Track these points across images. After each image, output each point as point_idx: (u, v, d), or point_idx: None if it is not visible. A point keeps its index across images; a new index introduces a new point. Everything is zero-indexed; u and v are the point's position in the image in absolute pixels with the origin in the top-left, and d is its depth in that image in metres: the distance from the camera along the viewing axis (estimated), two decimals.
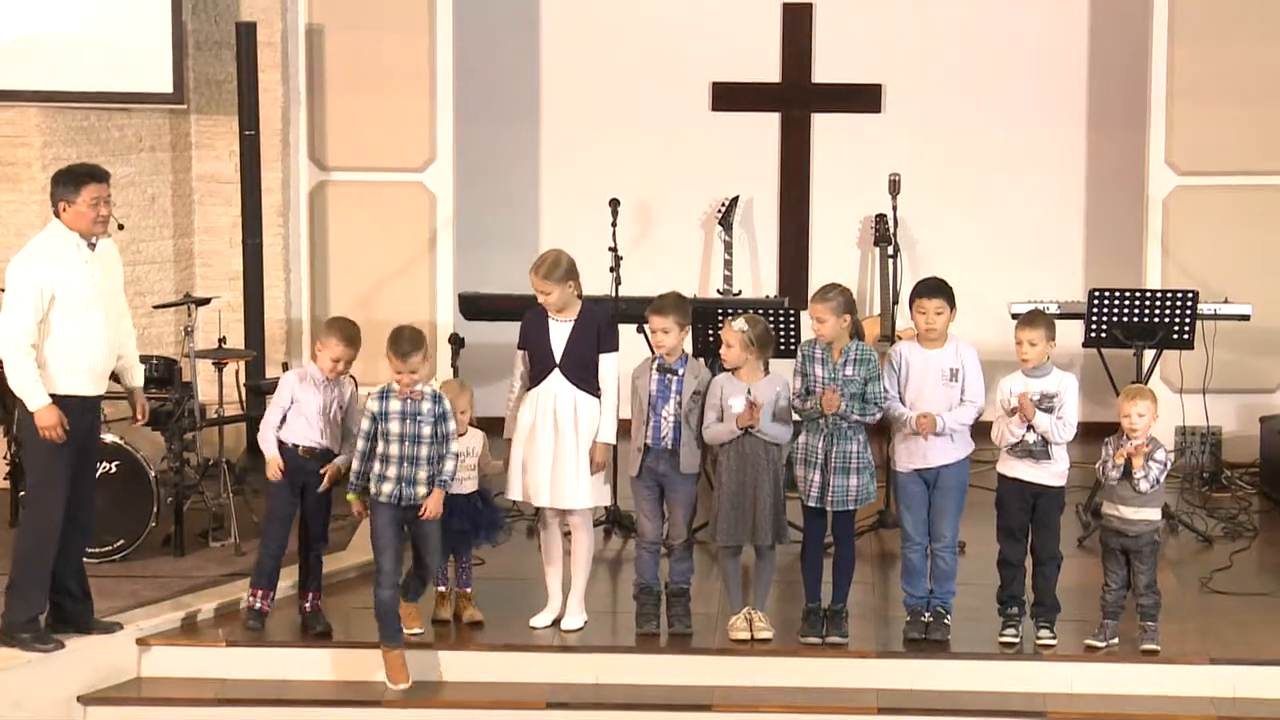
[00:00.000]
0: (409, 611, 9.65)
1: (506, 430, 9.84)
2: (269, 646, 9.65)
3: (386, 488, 9.35)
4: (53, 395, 9.17)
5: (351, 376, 11.74)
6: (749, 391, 9.57)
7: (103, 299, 9.30)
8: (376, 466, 9.38)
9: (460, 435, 9.75)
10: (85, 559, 10.34)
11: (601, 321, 9.78)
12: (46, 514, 9.28)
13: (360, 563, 10.68)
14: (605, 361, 9.74)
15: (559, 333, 9.69)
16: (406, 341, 9.35)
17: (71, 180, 9.24)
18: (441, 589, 9.93)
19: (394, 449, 9.34)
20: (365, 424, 9.40)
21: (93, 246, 9.29)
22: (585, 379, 9.70)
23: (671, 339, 9.64)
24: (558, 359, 9.68)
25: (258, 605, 9.71)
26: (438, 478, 9.41)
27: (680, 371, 9.67)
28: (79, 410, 9.27)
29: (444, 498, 9.46)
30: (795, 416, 9.68)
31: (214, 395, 11.64)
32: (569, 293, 9.67)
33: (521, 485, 9.79)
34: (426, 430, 9.34)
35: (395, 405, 9.33)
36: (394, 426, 9.33)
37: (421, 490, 9.36)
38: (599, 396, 9.72)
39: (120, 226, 9.54)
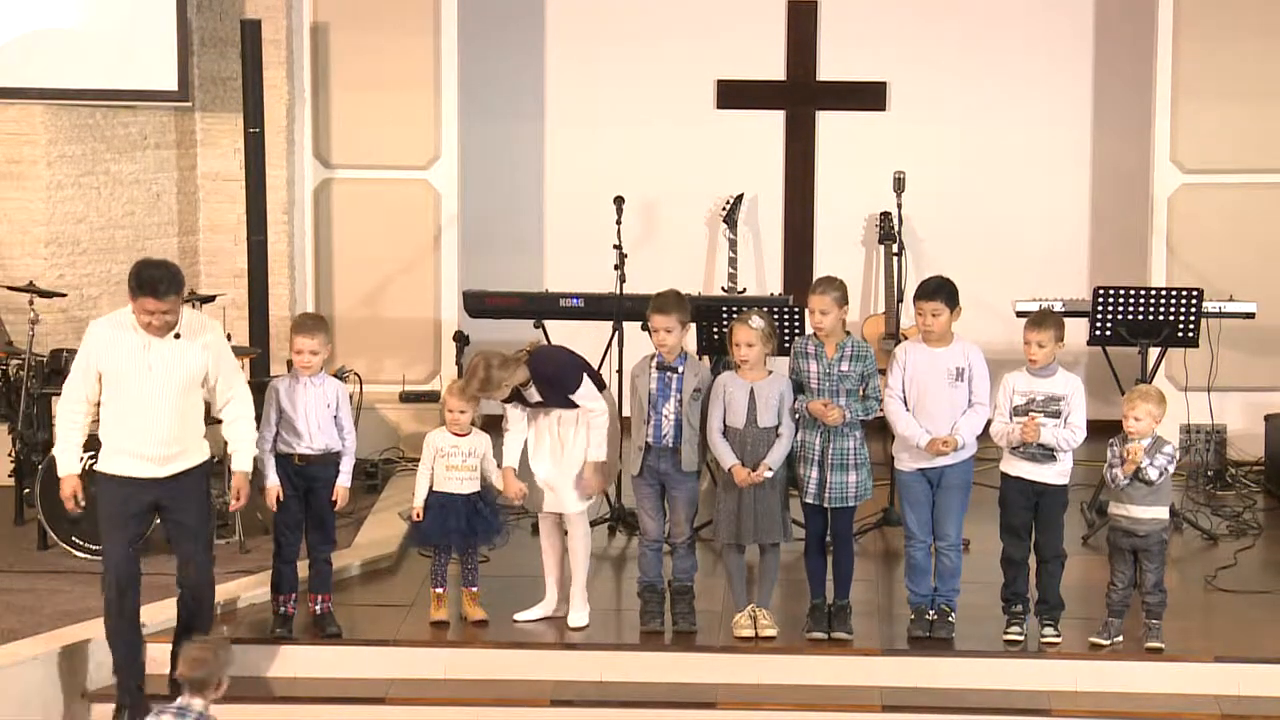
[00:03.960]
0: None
1: (506, 459, 9.77)
2: (273, 643, 9.65)
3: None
4: (102, 473, 9.01)
5: (356, 374, 11.80)
6: (751, 392, 9.56)
7: (159, 384, 8.90)
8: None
9: (463, 436, 9.77)
10: (90, 556, 10.41)
11: (550, 375, 9.65)
12: (106, 573, 9.16)
13: (363, 560, 10.70)
14: (580, 398, 9.67)
15: (531, 394, 9.71)
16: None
17: (134, 283, 8.84)
18: (439, 590, 9.93)
19: None
20: None
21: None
22: (573, 403, 9.71)
23: (674, 338, 9.63)
24: (545, 402, 9.71)
25: (282, 610, 9.72)
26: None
27: (680, 369, 9.66)
28: (125, 489, 8.97)
29: (433, 486, 9.71)
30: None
31: None
32: (515, 379, 9.57)
33: (546, 495, 9.83)
34: None
35: None
36: None
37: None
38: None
39: (177, 336, 8.95)
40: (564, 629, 9.82)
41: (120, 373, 8.90)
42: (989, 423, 9.67)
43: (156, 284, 8.78)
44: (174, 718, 7.89)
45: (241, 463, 9.20)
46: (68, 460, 9.04)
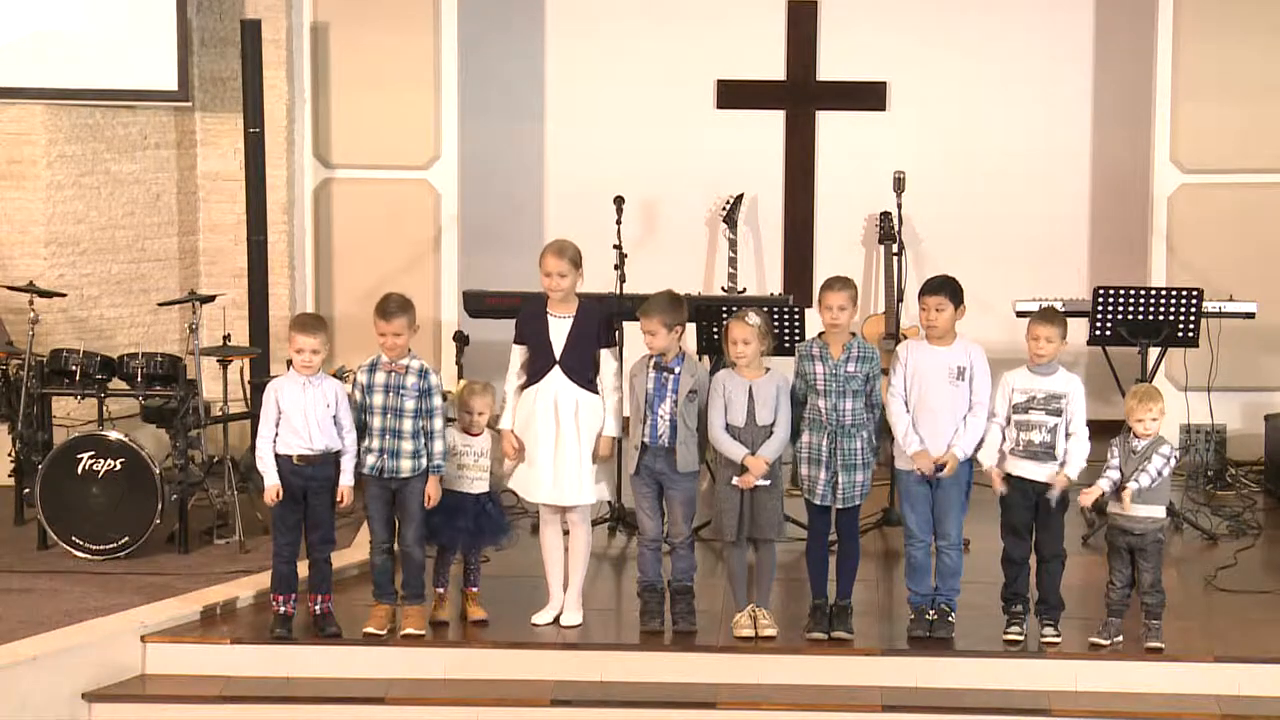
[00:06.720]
0: (411, 613, 9.69)
1: (503, 421, 9.82)
2: (273, 643, 9.65)
3: (370, 460, 9.62)
4: None
5: (356, 374, 11.79)
6: (749, 390, 9.55)
7: None
8: (365, 440, 9.62)
9: (476, 435, 9.78)
10: (89, 556, 10.40)
11: (600, 317, 9.77)
12: None
13: (361, 560, 10.68)
14: (605, 357, 9.74)
15: (558, 329, 9.68)
16: (391, 303, 9.56)
17: None
18: (440, 590, 9.93)
19: (377, 421, 9.58)
20: (356, 396, 9.64)
21: None
22: (585, 375, 9.69)
23: (659, 341, 9.61)
24: (557, 356, 9.67)
25: (281, 610, 9.71)
26: (430, 462, 9.58)
27: (677, 370, 9.65)
28: None
29: (442, 484, 9.62)
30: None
31: (218, 392, 11.66)
32: (576, 281, 9.68)
33: (520, 480, 9.81)
34: (410, 404, 9.54)
35: (380, 377, 9.57)
36: (377, 399, 9.57)
37: (406, 464, 9.55)
38: (598, 392, 9.72)
39: None
40: (561, 629, 9.81)
41: None
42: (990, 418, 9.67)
43: None
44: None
45: None
46: None
